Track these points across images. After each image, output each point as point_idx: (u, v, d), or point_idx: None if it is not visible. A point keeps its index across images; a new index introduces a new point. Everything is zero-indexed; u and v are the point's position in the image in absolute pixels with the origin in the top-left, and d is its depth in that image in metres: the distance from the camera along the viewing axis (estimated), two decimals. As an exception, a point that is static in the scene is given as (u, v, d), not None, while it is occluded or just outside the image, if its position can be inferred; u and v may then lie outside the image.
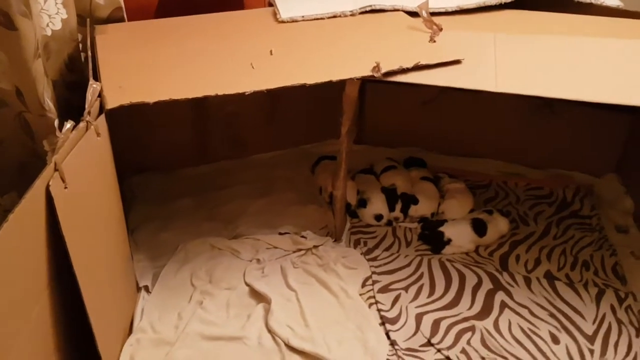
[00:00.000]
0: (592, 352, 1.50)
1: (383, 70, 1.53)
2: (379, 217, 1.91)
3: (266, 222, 1.93)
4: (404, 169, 2.12)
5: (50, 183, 1.09)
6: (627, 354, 1.50)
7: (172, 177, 2.16)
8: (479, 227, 1.83)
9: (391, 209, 1.94)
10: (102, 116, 1.35)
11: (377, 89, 2.24)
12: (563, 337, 1.54)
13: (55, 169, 1.12)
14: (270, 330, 1.53)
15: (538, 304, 1.63)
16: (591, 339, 1.53)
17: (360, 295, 1.67)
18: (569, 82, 1.54)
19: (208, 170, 2.22)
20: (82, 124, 1.26)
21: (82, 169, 1.23)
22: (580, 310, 1.62)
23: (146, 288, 1.67)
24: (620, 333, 1.55)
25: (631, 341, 1.53)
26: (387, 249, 1.84)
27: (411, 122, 2.29)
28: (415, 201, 1.94)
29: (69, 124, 1.20)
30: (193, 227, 1.90)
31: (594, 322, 1.58)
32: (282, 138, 2.31)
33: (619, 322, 1.58)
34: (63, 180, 1.13)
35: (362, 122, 2.30)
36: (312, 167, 2.19)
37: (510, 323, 1.58)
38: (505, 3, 1.90)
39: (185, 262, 1.76)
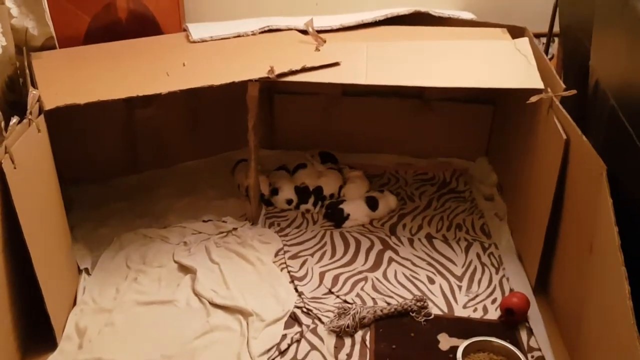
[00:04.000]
0: (460, 287, 1.86)
1: (276, 72, 1.89)
2: (289, 202, 2.24)
3: (192, 215, 2.21)
4: (312, 164, 2.44)
5: (2, 161, 1.36)
6: (488, 286, 1.87)
7: (106, 187, 2.41)
8: (372, 203, 2.19)
9: (304, 202, 2.26)
10: (42, 116, 1.63)
11: (284, 99, 2.59)
12: (438, 279, 1.90)
13: (6, 152, 1.39)
14: (196, 294, 1.81)
15: (419, 257, 1.99)
16: (460, 278, 1.90)
17: (274, 262, 1.97)
18: (428, 75, 1.95)
19: (138, 179, 2.47)
20: (25, 121, 1.53)
21: (27, 155, 1.50)
22: (452, 258, 1.99)
23: (86, 270, 1.91)
24: (483, 272, 1.93)
25: (492, 277, 1.90)
26: (297, 227, 2.17)
27: (316, 126, 2.64)
28: (322, 196, 2.27)
29: (14, 119, 1.48)
30: (127, 224, 2.16)
31: (462, 266, 1.95)
32: (204, 147, 2.61)
33: (483, 265, 1.96)
34: (12, 161, 1.40)
35: (273, 129, 2.64)
36: (232, 169, 2.50)
37: (396, 272, 1.92)
38: (379, 20, 2.32)
39: (121, 249, 2.02)
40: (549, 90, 1.75)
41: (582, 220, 1.52)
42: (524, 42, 2.04)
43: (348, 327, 1.65)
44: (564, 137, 1.59)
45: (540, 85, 1.80)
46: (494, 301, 1.79)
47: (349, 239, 2.08)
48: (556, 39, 2.63)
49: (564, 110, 1.65)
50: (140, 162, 2.50)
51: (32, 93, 1.63)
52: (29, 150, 1.51)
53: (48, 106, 1.63)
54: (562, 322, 1.66)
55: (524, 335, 1.66)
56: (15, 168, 1.41)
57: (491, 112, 2.49)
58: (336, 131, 2.64)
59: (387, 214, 2.22)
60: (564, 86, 1.72)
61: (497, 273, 1.92)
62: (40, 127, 1.60)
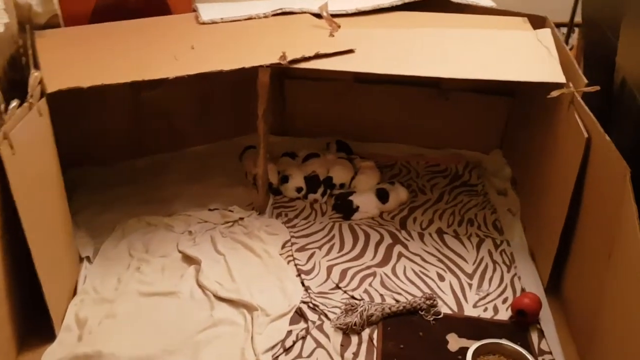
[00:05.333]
0: (470, 285, 1.81)
1: (288, 59, 1.82)
2: (299, 190, 2.19)
3: (198, 203, 2.16)
4: (323, 154, 2.38)
5: (0, 147, 1.31)
6: (499, 285, 1.81)
7: (111, 170, 2.36)
8: (382, 196, 2.14)
9: (313, 191, 2.20)
10: (44, 99, 1.58)
11: (295, 85, 2.52)
12: (448, 276, 1.84)
13: (4, 137, 1.34)
14: (200, 286, 1.77)
15: (429, 252, 1.94)
16: (470, 276, 1.84)
17: (280, 255, 1.92)
18: (446, 65, 1.88)
19: (144, 162, 2.43)
20: (25, 104, 1.48)
21: (27, 140, 1.45)
22: (463, 255, 1.93)
23: (88, 259, 1.87)
24: (494, 270, 1.87)
25: (503, 276, 1.85)
26: (305, 218, 2.12)
27: (328, 113, 2.58)
28: (332, 185, 2.22)
29: (14, 102, 1.42)
30: (131, 210, 2.11)
31: (473, 263, 1.90)
32: (213, 131, 2.55)
33: (494, 263, 1.90)
34: (11, 147, 1.35)
35: (284, 115, 2.57)
36: (240, 156, 2.44)
37: (405, 268, 1.87)
38: (396, 5, 2.24)
39: (123, 237, 1.97)
40: (570, 85, 1.68)
41: (601, 223, 1.47)
42: (545, 33, 1.96)
43: (355, 324, 1.61)
44: (585, 135, 1.52)
45: (562, 79, 1.73)
46: (504, 301, 1.74)
47: (358, 232, 2.03)
48: (577, 29, 2.55)
49: (585, 107, 1.58)
50: (146, 145, 2.45)
51: (34, 75, 1.57)
52: (29, 135, 1.46)
53: (50, 89, 1.57)
54: (575, 326, 1.61)
55: (534, 337, 1.61)
56: (14, 154, 1.36)
57: (508, 103, 2.42)
58: (347, 118, 2.57)
59: (397, 207, 2.16)
60: (586, 81, 1.65)
61: (508, 271, 1.86)
62: (41, 110, 1.55)
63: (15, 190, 1.35)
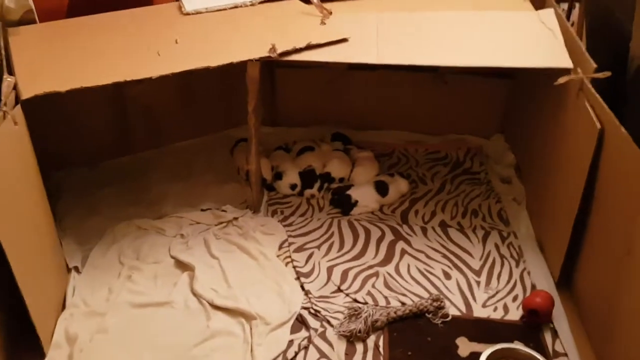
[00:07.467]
0: (478, 283, 1.74)
1: (279, 51, 1.71)
2: (293, 187, 2.09)
3: (188, 202, 2.07)
4: (318, 146, 2.28)
5: (-28, 164, 1.21)
6: (508, 281, 1.74)
7: (95, 170, 2.25)
8: (382, 188, 2.05)
9: (309, 187, 2.11)
10: (18, 107, 1.47)
11: (286, 74, 2.41)
12: (454, 273, 1.77)
13: (-23, 153, 1.23)
14: (195, 294, 1.68)
15: (433, 248, 1.86)
16: (478, 273, 1.77)
17: (278, 256, 1.84)
18: (445, 51, 1.78)
19: (129, 161, 2.31)
20: (-1, 114, 1.37)
21: (2, 152, 1.34)
22: (469, 250, 1.86)
23: (76, 269, 1.78)
24: (502, 265, 1.80)
25: (512, 271, 1.78)
26: (301, 215, 2.03)
27: (321, 102, 2.47)
28: (331, 180, 2.13)
29: (-14, 113, 1.31)
30: (119, 212, 2.01)
31: (480, 259, 1.82)
32: (200, 125, 2.44)
33: (502, 257, 1.83)
34: (-16, 163, 1.24)
35: (275, 105, 2.47)
36: (231, 150, 2.34)
37: (409, 266, 1.79)
38: (389, -13, 2.12)
39: (113, 243, 1.88)
40: (579, 70, 1.59)
41: (617, 218, 1.39)
42: (549, 13, 1.86)
43: (360, 331, 1.54)
44: (598, 126, 1.43)
45: (569, 64, 1.64)
46: (515, 299, 1.67)
47: (358, 229, 1.94)
48: (577, 5, 2.43)
49: (597, 95, 1.48)
50: (131, 143, 2.34)
51: (7, 80, 1.46)
52: (4, 148, 1.35)
53: (25, 95, 1.46)
54: (589, 324, 1.54)
55: (548, 337, 1.55)
56: (-12, 170, 1.26)
57: (508, 86, 2.32)
58: (341, 106, 2.47)
59: (398, 199, 2.07)
60: (595, 65, 1.55)
61: (517, 266, 1.79)
62: (17, 119, 1.44)
63: (-8, 209, 1.25)
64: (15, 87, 1.49)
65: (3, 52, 1.69)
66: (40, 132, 1.61)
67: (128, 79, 1.54)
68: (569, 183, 1.61)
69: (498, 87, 2.33)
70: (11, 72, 1.58)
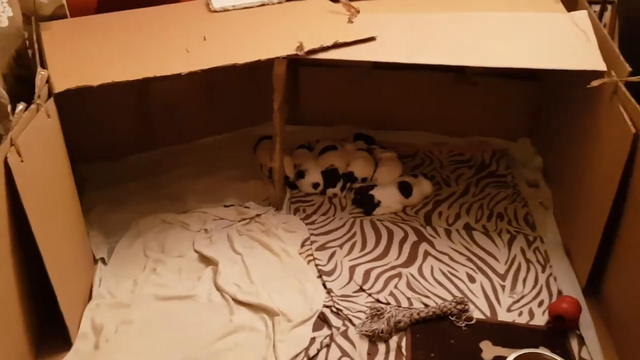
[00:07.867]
0: (503, 287, 1.72)
1: (306, 49, 1.71)
2: (316, 185, 2.09)
3: (212, 198, 2.08)
4: (342, 146, 2.28)
5: (7, 156, 1.23)
6: (534, 287, 1.72)
7: (120, 164, 2.27)
8: (405, 189, 2.04)
9: (332, 186, 2.10)
10: (51, 100, 1.49)
11: (309, 72, 2.41)
12: (479, 277, 1.75)
13: (12, 144, 1.25)
14: (218, 288, 1.69)
15: (457, 251, 1.84)
16: (503, 277, 1.75)
17: (300, 254, 1.84)
18: (476, 52, 1.76)
19: (154, 156, 2.33)
20: (33, 107, 1.39)
21: (35, 145, 1.36)
22: (494, 253, 1.84)
23: (102, 260, 1.80)
24: (528, 270, 1.77)
25: (537, 276, 1.75)
26: (324, 214, 2.03)
27: (344, 101, 2.46)
28: (354, 179, 2.12)
29: (21, 106, 1.33)
30: (143, 206, 2.03)
31: (505, 263, 1.80)
32: (224, 122, 2.45)
33: (528, 262, 1.81)
34: (19, 154, 1.26)
35: (298, 103, 2.46)
36: (254, 147, 2.34)
37: (432, 268, 1.78)
38: (418, -13, 2.10)
39: (138, 236, 1.90)
40: (612, 73, 1.56)
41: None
42: (582, 15, 1.83)
43: (382, 331, 1.53)
44: (633, 130, 1.41)
45: (602, 67, 1.61)
46: (540, 304, 1.65)
47: (381, 229, 1.94)
48: (609, 7, 2.40)
49: (632, 99, 1.46)
50: (155, 138, 2.36)
51: (41, 74, 1.48)
52: (38, 139, 1.38)
53: (58, 88, 1.48)
54: (617, 332, 1.51)
55: (574, 344, 1.52)
56: (22, 161, 1.27)
57: (535, 88, 2.29)
58: (365, 106, 2.46)
59: (421, 201, 2.06)
60: (629, 69, 1.53)
61: (543, 271, 1.77)
62: (49, 111, 1.46)
63: (25, 199, 1.27)
64: (48, 81, 1.51)
65: (36, 45, 1.72)
66: (66, 126, 1.63)
67: (158, 74, 1.55)
68: (599, 188, 1.59)
69: (525, 90, 2.30)
70: (44, 66, 1.60)
